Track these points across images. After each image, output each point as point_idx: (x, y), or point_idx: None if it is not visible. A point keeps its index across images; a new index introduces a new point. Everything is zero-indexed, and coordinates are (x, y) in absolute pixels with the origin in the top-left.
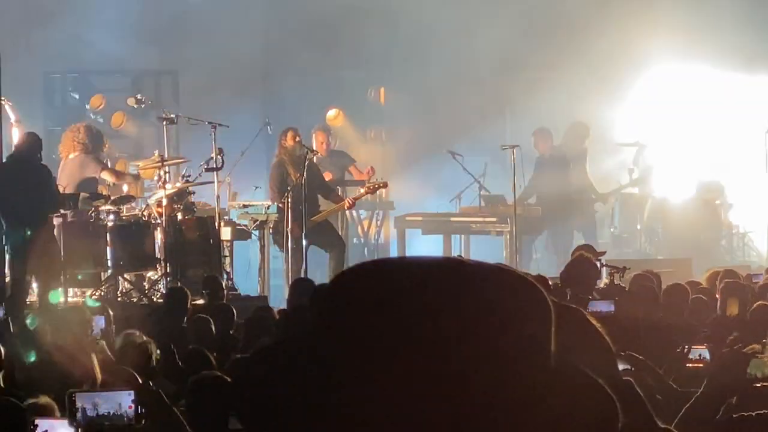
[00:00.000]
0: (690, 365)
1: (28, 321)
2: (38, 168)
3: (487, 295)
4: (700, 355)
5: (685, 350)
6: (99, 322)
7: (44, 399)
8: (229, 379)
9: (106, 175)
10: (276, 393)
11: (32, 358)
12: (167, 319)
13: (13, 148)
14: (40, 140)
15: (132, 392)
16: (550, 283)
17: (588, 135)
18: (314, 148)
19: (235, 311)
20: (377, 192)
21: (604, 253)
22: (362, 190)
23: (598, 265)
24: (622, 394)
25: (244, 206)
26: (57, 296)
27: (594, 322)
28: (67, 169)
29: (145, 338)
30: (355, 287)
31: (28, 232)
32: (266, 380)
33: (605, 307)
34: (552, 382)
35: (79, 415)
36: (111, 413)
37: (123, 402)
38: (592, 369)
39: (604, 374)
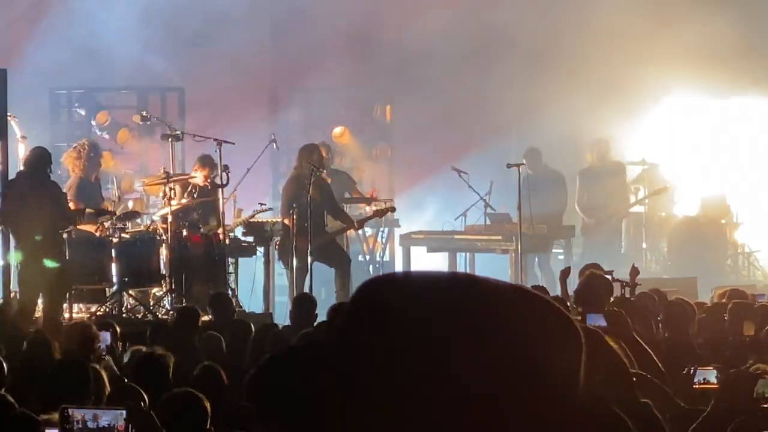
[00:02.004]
0: (697, 387)
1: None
2: (48, 183)
3: (521, 318)
4: (704, 379)
5: (692, 372)
6: (105, 338)
7: (56, 416)
8: (200, 396)
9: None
10: (294, 398)
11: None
12: (176, 336)
13: (22, 163)
14: (50, 154)
15: (123, 411)
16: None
17: (610, 148)
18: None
19: (252, 327)
20: None
21: (612, 272)
22: (368, 209)
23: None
24: (641, 416)
25: (250, 223)
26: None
27: (612, 344)
28: (73, 186)
29: (161, 352)
30: (386, 300)
31: (39, 248)
32: (286, 385)
33: (596, 321)
34: (578, 411)
35: (78, 426)
36: (109, 425)
37: (115, 420)
38: (610, 391)
39: (622, 396)
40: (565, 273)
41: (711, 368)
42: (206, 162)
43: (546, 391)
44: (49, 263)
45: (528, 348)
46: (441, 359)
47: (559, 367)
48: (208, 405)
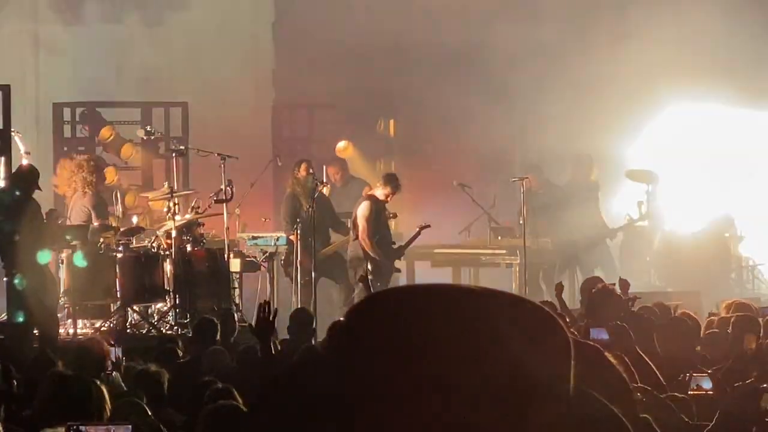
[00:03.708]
0: (691, 393)
1: (16, 281)
2: (25, 202)
3: (511, 326)
4: (697, 385)
5: (687, 378)
6: (111, 354)
7: (60, 430)
8: (244, 409)
9: (93, 219)
10: (300, 413)
11: (20, 319)
12: (194, 349)
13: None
14: (36, 173)
15: (129, 427)
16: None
17: (593, 166)
18: (325, 180)
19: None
20: None
21: (613, 285)
22: None
23: None
24: (640, 431)
25: (254, 238)
26: (46, 257)
27: (611, 359)
28: (78, 204)
29: (155, 368)
30: (379, 314)
31: (18, 267)
32: (292, 400)
33: (600, 334)
34: (571, 411)
35: None
36: None
37: None
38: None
39: (622, 411)
40: (559, 288)
41: (705, 375)
42: (389, 180)
43: (535, 392)
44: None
45: (514, 350)
46: (426, 375)
47: (547, 367)
48: None
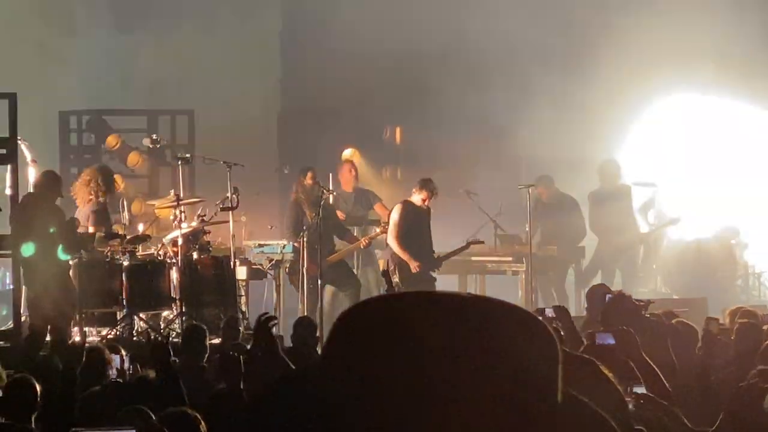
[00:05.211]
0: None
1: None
2: (49, 209)
3: (497, 331)
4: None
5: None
6: (115, 362)
7: None
8: (195, 414)
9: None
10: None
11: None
12: (185, 358)
13: (32, 186)
14: (59, 180)
15: (133, 430)
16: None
17: (619, 171)
18: (331, 187)
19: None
20: None
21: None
22: (378, 230)
23: None
24: None
25: (260, 245)
26: (29, 249)
27: (607, 372)
28: (83, 211)
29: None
30: (364, 324)
31: (45, 272)
32: (279, 416)
33: (605, 339)
34: (558, 416)
35: None
36: None
37: None
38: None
39: (618, 423)
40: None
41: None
42: (424, 185)
43: (526, 395)
44: (28, 250)
45: (505, 355)
46: (416, 381)
47: (534, 372)
48: (203, 425)
